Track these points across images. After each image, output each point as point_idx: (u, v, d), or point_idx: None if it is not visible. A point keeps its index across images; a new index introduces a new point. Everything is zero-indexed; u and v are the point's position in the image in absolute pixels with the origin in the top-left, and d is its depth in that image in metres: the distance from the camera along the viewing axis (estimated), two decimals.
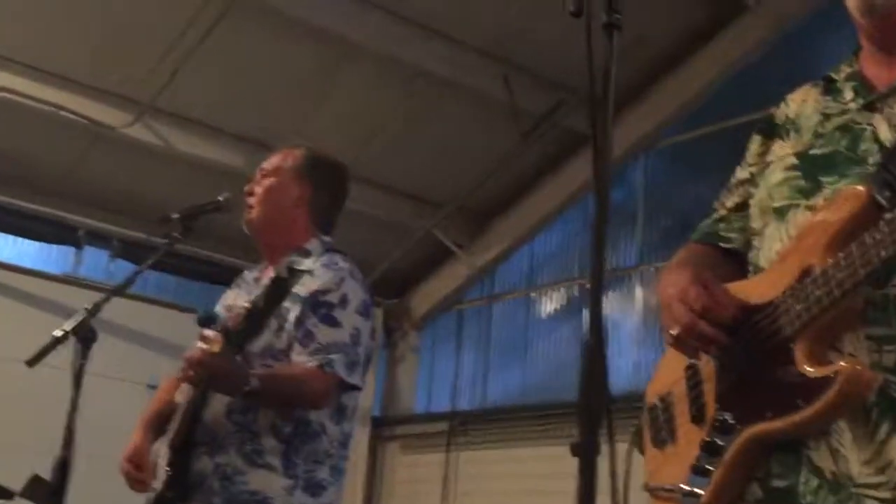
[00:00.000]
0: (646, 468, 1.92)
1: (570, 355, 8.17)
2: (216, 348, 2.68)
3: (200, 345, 2.70)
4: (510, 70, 7.50)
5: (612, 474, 1.39)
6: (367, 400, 8.87)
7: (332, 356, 2.85)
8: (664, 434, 1.89)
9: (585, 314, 8.20)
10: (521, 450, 8.10)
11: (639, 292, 7.83)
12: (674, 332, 1.76)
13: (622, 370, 7.73)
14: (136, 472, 2.88)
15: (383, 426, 9.36)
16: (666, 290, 1.83)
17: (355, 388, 2.94)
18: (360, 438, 8.98)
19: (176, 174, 7.79)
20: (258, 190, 3.14)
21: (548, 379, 8.28)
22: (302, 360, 2.86)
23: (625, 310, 7.93)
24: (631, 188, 8.12)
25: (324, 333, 2.88)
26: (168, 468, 2.81)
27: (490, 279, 9.10)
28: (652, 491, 1.84)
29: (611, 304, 8.03)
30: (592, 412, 1.30)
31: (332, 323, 2.90)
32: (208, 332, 2.73)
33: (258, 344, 2.89)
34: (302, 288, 2.94)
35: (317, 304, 2.91)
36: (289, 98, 7.51)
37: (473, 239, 9.00)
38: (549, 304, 8.55)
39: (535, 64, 7.53)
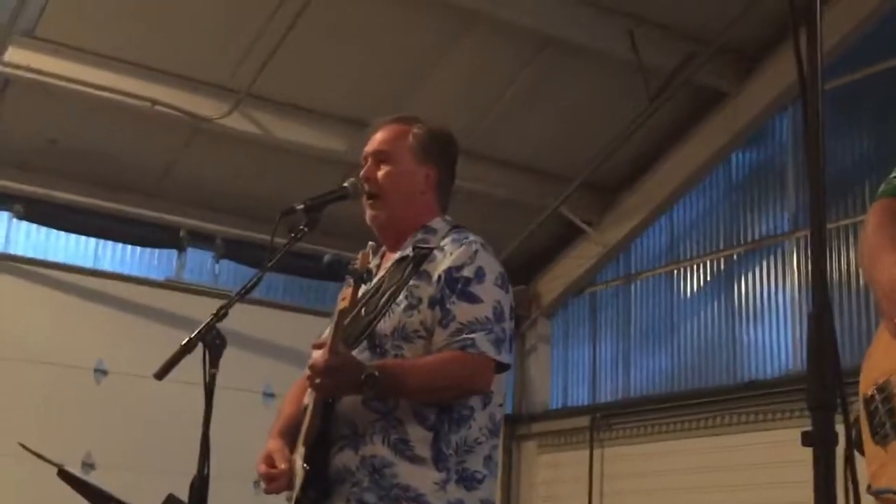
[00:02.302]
0: (868, 468, 1.80)
1: (721, 335, 8.00)
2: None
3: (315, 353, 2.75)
4: (634, 24, 7.37)
5: (848, 460, 1.30)
6: None
7: (474, 335, 2.83)
8: (887, 429, 1.78)
9: (735, 288, 8.09)
10: (674, 442, 7.98)
11: (795, 262, 7.63)
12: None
13: (778, 349, 7.57)
14: (271, 469, 2.90)
15: (518, 424, 9.33)
16: (883, 277, 1.72)
17: (505, 366, 2.91)
18: None
19: (277, 164, 7.88)
20: (380, 176, 3.09)
21: (698, 363, 8.13)
22: (442, 342, 2.85)
23: (779, 282, 7.73)
24: (779, 143, 7.91)
25: (463, 311, 2.85)
26: (305, 465, 2.81)
27: (626, 257, 8.97)
28: (877, 494, 1.73)
29: (761, 276, 7.85)
30: (826, 394, 1.22)
31: (471, 299, 2.87)
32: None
33: (388, 324, 2.89)
34: (432, 266, 2.94)
35: (452, 281, 2.89)
36: (393, 72, 7.51)
37: (604, 214, 8.89)
38: (694, 280, 8.39)
39: (661, 15, 7.39)
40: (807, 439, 1.24)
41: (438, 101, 7.49)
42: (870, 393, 1.82)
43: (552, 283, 9.33)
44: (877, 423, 1.81)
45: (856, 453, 1.84)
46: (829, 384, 1.22)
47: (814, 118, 1.33)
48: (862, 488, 1.77)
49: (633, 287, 8.90)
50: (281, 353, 7.49)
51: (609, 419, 8.54)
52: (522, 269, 9.28)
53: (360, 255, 2.94)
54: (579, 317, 9.32)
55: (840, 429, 1.89)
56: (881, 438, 1.79)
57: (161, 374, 2.67)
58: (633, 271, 8.91)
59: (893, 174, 2.00)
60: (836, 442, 1.24)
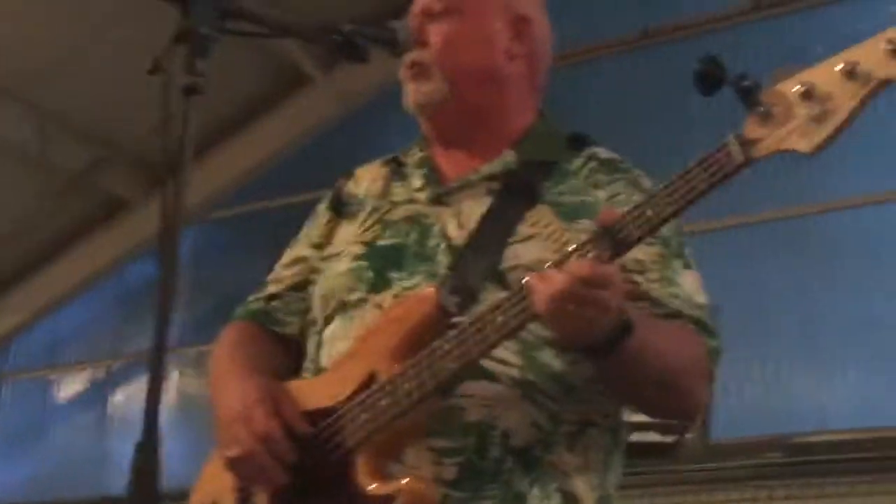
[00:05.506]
0: None
1: (93, 445, 7.89)
2: None
3: None
4: (45, 119, 7.24)
5: None
6: None
7: None
8: None
9: (113, 399, 8.02)
10: None
11: (175, 376, 7.75)
12: (231, 454, 1.71)
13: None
14: None
15: None
16: (230, 404, 1.76)
17: None
18: None
19: None
20: None
21: (64, 472, 7.93)
22: None
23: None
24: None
25: None
26: None
27: (3, 355, 8.61)
28: None
29: (138, 390, 7.89)
30: None
31: None
32: None
33: None
34: None
35: None
36: None
37: None
38: (72, 387, 8.24)
39: (77, 114, 7.33)
40: None
41: None
42: None
43: None
44: None
45: None
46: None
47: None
48: None
49: (5, 387, 8.56)
50: None
51: None
52: None
53: None
54: None
55: None
56: None
57: None
58: (8, 370, 8.58)
59: (251, 297, 2.05)
60: None
